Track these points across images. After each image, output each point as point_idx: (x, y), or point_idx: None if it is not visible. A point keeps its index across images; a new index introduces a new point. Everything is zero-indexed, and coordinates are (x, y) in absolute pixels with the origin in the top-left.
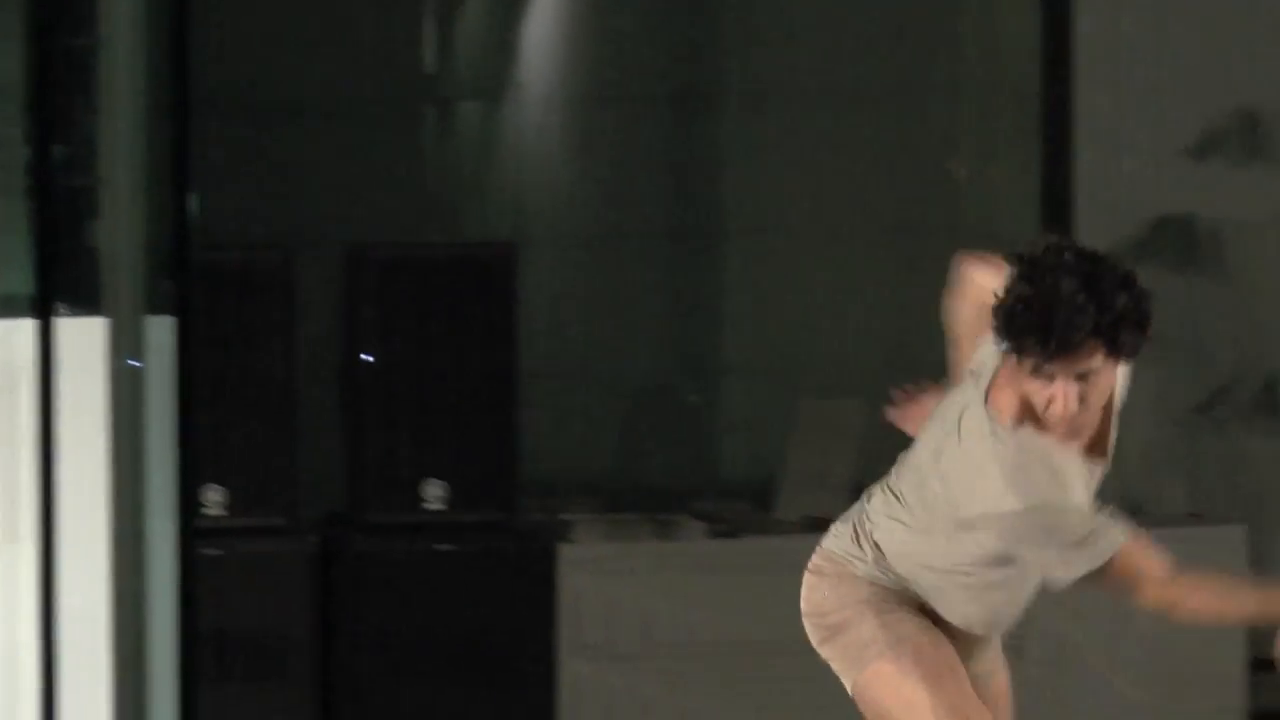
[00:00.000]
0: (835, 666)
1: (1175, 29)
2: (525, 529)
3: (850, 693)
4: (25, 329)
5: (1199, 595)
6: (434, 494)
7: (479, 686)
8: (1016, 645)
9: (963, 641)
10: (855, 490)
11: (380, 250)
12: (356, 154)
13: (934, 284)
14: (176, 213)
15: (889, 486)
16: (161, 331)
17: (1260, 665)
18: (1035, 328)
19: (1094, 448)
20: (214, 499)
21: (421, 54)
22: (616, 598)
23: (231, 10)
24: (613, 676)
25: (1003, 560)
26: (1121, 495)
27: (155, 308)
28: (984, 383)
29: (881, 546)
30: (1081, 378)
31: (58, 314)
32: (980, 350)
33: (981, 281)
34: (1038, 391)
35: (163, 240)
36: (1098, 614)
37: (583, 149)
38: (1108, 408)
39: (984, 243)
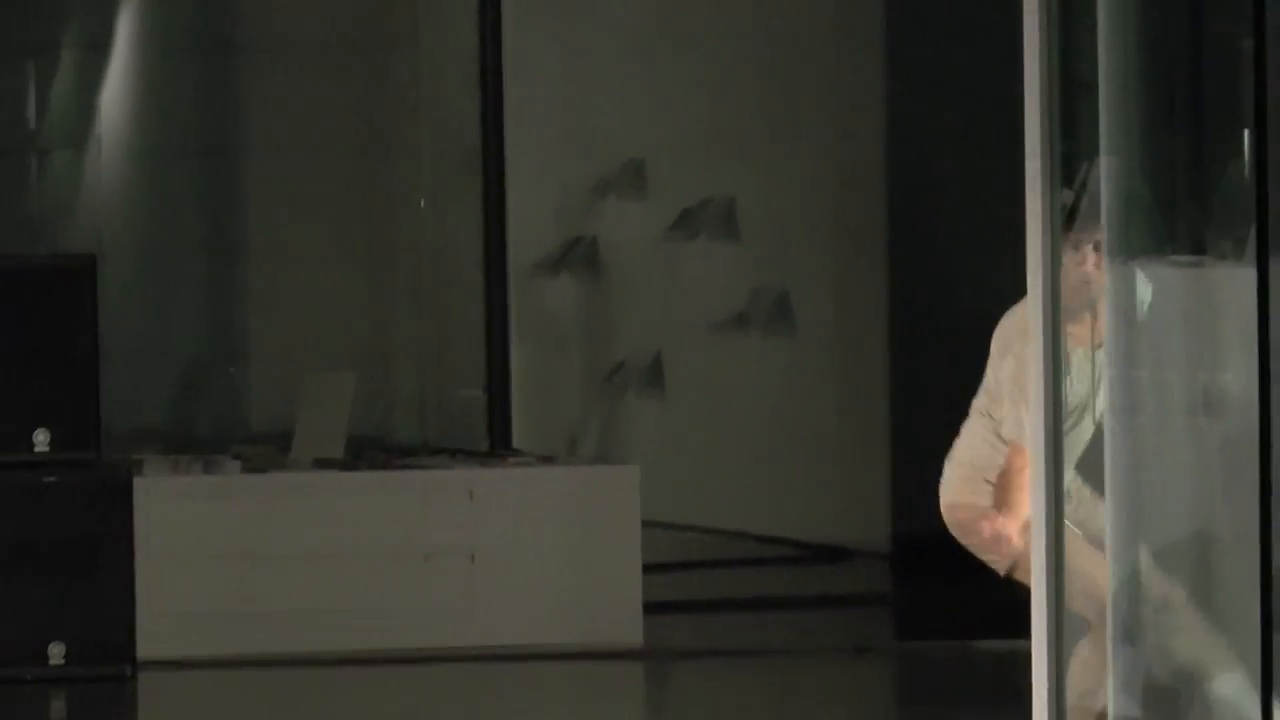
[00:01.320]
0: None
1: (581, 98)
2: (109, 466)
3: None
4: None
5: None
6: (41, 440)
7: (81, 581)
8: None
9: None
10: (351, 439)
11: None
12: None
13: (401, 290)
14: None
15: None
16: None
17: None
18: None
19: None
20: None
21: (26, 112)
22: (177, 517)
23: None
24: (176, 575)
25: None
26: (560, 441)
27: None
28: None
29: None
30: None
31: None
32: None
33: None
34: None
35: None
36: (513, 523)
37: (146, 186)
38: None
39: (438, 258)
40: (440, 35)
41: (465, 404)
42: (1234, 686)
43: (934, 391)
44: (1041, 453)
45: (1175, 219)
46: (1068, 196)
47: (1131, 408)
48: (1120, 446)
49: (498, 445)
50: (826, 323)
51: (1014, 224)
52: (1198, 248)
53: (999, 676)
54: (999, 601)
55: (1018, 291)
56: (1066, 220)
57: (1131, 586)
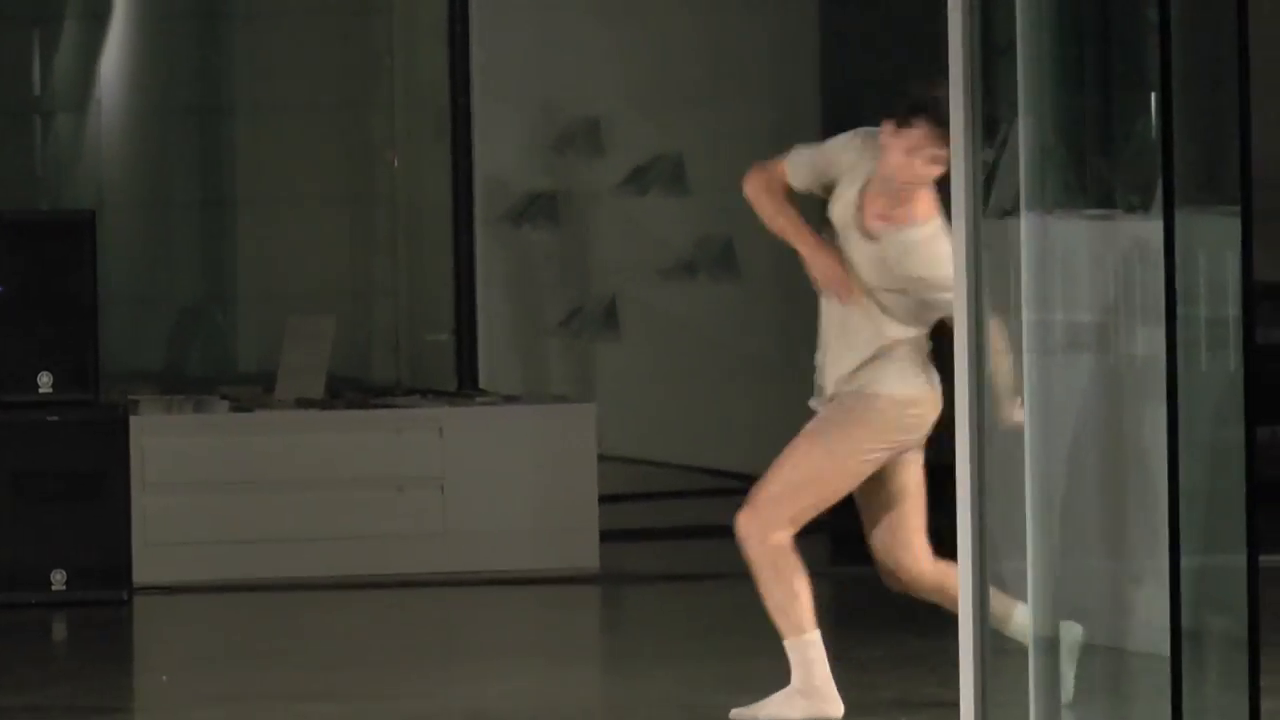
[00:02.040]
0: None
1: (543, 61)
2: (107, 405)
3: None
4: None
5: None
6: (45, 381)
7: (81, 512)
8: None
9: None
10: (331, 379)
11: (3, 215)
12: None
13: (378, 239)
14: None
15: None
16: None
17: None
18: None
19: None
20: None
21: (31, 78)
22: (170, 452)
23: None
24: (169, 506)
25: None
26: (522, 380)
27: None
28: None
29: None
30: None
31: None
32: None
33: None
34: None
35: None
36: (480, 457)
37: (143, 145)
38: None
39: (411, 210)
40: (413, 2)
41: (436, 347)
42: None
43: None
44: (967, 396)
45: (1086, 175)
46: (989, 154)
47: (1046, 348)
48: (1038, 382)
49: (465, 385)
50: (767, 268)
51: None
52: (1107, 201)
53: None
54: (933, 529)
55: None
56: (986, 178)
57: (1049, 513)
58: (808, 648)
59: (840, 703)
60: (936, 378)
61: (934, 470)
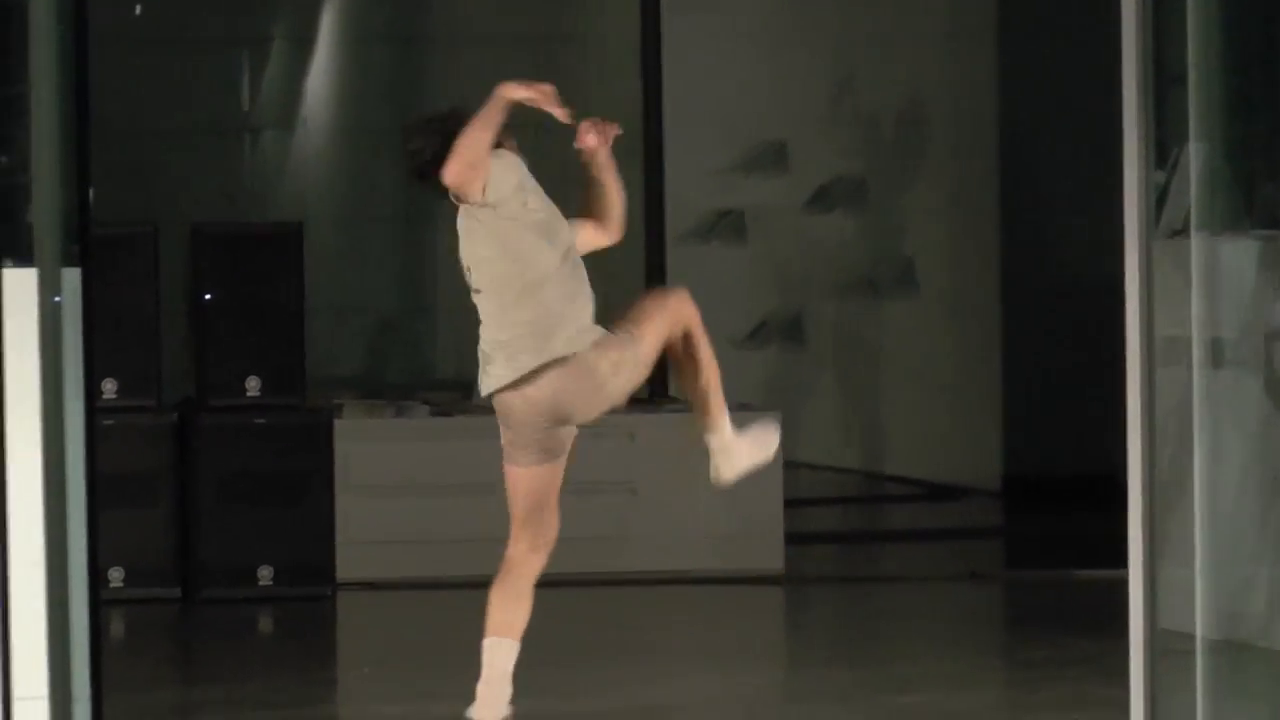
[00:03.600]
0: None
1: (728, 88)
2: (312, 409)
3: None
4: None
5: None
6: (253, 386)
7: (287, 511)
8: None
9: None
10: None
11: (213, 227)
12: (200, 165)
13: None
14: (81, 200)
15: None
16: (72, 279)
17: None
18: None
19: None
20: (109, 387)
21: (241, 97)
22: (372, 455)
23: (115, 65)
24: (371, 506)
25: None
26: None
27: (68, 263)
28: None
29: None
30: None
31: (5, 266)
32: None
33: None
34: None
35: (72, 218)
36: (669, 462)
37: (345, 161)
38: None
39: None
40: (606, 33)
41: None
42: None
43: (1041, 347)
44: (1138, 402)
45: (1255, 197)
46: (1159, 176)
47: (1216, 362)
48: (1207, 395)
49: (657, 393)
50: (945, 285)
51: (1110, 200)
52: (1273, 222)
53: (1096, 602)
54: (1098, 535)
55: (1115, 260)
56: (1158, 199)
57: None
58: None
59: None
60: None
61: (1104, 478)
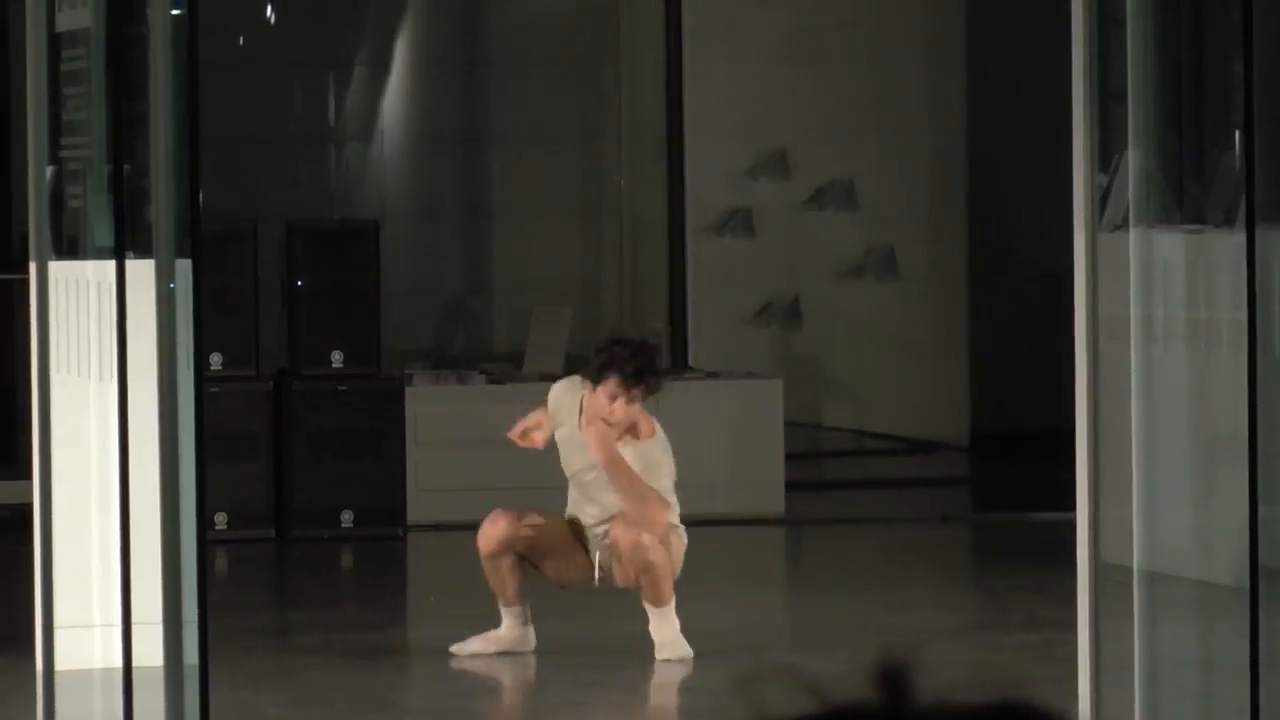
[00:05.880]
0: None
1: (741, 102)
2: (386, 377)
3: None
4: (109, 267)
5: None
6: (337, 359)
7: (365, 463)
8: None
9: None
10: (567, 358)
11: (305, 224)
12: (293, 170)
13: (607, 245)
14: (192, 198)
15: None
16: (184, 268)
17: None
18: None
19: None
20: (215, 360)
21: (328, 113)
22: (438, 416)
23: (222, 86)
24: (437, 460)
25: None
26: (723, 360)
27: (181, 254)
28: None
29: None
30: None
31: (128, 257)
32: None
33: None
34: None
35: (185, 216)
36: (689, 421)
37: (416, 168)
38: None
39: (633, 222)
40: (636, 55)
41: (653, 332)
42: None
43: (1003, 323)
44: (1085, 368)
45: (1183, 197)
46: (1103, 179)
47: (1150, 337)
48: (1144, 364)
49: (678, 363)
50: (922, 271)
51: (1061, 197)
52: (1200, 218)
53: (1051, 539)
54: (1052, 483)
55: (1065, 249)
56: (1101, 198)
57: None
58: None
59: None
60: None
61: (1058, 432)
